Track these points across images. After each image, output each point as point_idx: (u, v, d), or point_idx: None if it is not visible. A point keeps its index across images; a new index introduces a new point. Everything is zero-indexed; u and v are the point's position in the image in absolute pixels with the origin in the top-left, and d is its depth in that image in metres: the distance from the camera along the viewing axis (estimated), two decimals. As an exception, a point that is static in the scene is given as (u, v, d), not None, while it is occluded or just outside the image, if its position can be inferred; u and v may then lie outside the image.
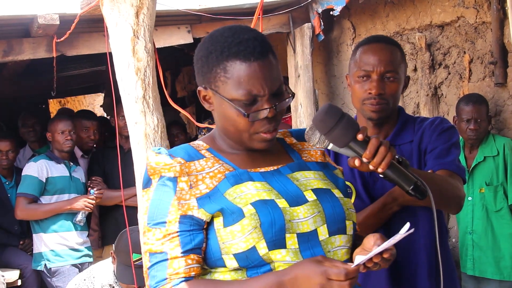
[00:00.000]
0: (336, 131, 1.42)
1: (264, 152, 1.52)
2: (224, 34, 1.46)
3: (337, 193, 1.51)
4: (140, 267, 2.93)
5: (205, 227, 1.42)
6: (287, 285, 1.31)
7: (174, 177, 1.44)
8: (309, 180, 1.51)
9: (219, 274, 1.44)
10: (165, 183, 1.44)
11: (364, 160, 1.43)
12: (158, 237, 1.42)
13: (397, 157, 1.57)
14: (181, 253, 1.40)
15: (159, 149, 1.50)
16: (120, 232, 3.20)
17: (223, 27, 1.50)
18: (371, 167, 1.44)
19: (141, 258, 2.94)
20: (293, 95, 1.49)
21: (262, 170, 1.50)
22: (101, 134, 5.32)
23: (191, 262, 1.40)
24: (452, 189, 1.84)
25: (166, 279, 1.39)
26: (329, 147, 1.46)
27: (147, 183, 1.49)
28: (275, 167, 1.52)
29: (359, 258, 1.33)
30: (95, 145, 5.10)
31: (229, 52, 1.43)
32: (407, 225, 1.34)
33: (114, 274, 3.12)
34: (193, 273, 1.41)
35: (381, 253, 1.37)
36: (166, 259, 1.40)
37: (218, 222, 1.41)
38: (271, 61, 1.44)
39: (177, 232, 1.40)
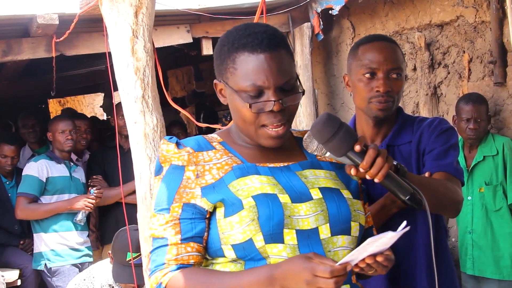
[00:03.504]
0: (333, 142, 1.41)
1: (277, 148, 1.52)
2: (238, 28, 1.49)
3: (346, 193, 1.50)
4: (137, 265, 2.93)
5: (207, 216, 1.45)
6: (278, 279, 1.32)
7: (182, 166, 1.47)
8: (318, 179, 1.51)
9: (220, 266, 1.46)
10: (173, 171, 1.48)
11: (361, 170, 1.43)
12: (161, 223, 1.45)
13: (394, 163, 1.56)
14: (181, 240, 1.43)
15: (170, 138, 1.53)
16: (117, 232, 3.21)
17: (242, 23, 1.52)
18: (367, 177, 1.43)
19: (137, 256, 2.95)
20: (303, 92, 1.49)
21: (272, 165, 1.51)
22: (94, 134, 5.34)
23: (190, 250, 1.43)
24: (450, 194, 1.82)
25: (164, 264, 1.43)
26: (326, 155, 1.46)
27: (158, 171, 1.52)
28: (286, 164, 1.52)
29: (348, 256, 1.32)
30: (86, 146, 5.11)
31: (238, 43, 1.45)
32: (404, 223, 1.34)
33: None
34: (191, 261, 1.44)
35: (374, 255, 1.35)
36: (166, 245, 1.44)
37: (220, 212, 1.43)
38: (280, 55, 1.44)
39: (179, 219, 1.44)
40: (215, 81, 1.54)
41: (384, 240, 1.33)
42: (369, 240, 1.31)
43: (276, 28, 1.52)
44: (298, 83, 1.49)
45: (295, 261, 1.31)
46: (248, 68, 1.43)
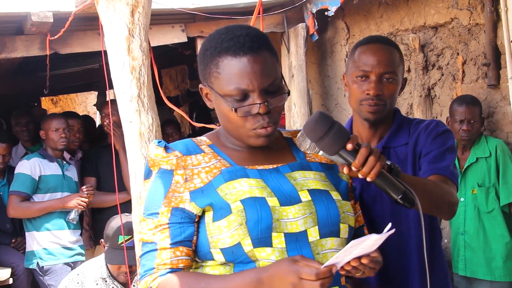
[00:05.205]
0: (325, 140, 1.41)
1: (266, 150, 1.53)
2: (220, 31, 1.49)
3: (335, 195, 1.50)
4: (129, 248, 3.03)
5: (197, 220, 1.45)
6: (265, 282, 1.33)
7: (170, 170, 1.48)
8: (307, 180, 1.51)
9: (210, 269, 1.47)
10: (162, 175, 1.48)
11: (354, 169, 1.43)
12: (150, 227, 1.46)
13: (388, 163, 1.56)
14: (170, 244, 1.44)
15: (159, 141, 1.53)
16: (109, 219, 3.28)
17: (224, 26, 1.52)
18: (360, 176, 1.43)
19: (129, 239, 3.02)
20: (288, 92, 1.49)
21: (261, 167, 1.51)
22: (86, 134, 5.32)
23: (179, 254, 1.44)
24: (445, 195, 1.80)
25: (153, 268, 1.44)
26: (319, 154, 1.46)
27: (147, 174, 1.53)
28: (275, 166, 1.52)
29: (333, 258, 1.31)
30: (79, 145, 5.09)
31: (221, 48, 1.44)
32: (389, 225, 1.34)
33: (106, 265, 3.16)
34: (181, 265, 1.44)
35: (360, 257, 1.35)
36: (156, 249, 1.45)
37: (209, 216, 1.44)
38: (263, 56, 1.44)
39: (168, 223, 1.45)
40: (200, 85, 1.54)
41: (369, 243, 1.32)
42: (352, 242, 1.30)
43: (258, 29, 1.52)
44: (283, 83, 1.49)
45: (281, 264, 1.32)
46: (232, 72, 1.43)
